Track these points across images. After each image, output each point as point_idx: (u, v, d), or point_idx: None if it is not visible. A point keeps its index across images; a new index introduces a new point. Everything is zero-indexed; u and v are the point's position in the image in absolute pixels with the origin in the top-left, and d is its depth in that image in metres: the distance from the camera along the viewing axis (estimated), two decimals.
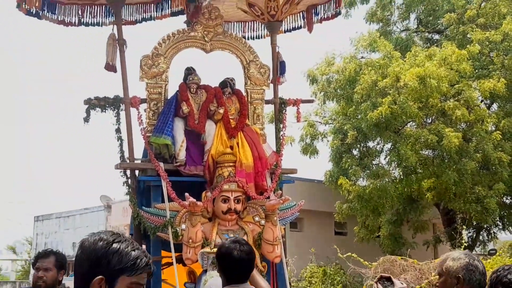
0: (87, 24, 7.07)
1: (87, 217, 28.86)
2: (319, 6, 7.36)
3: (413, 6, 21.07)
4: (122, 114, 6.54)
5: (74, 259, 2.20)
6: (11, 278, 38.36)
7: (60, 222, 31.09)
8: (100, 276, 2.06)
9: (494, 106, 18.65)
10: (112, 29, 6.61)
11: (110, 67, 6.52)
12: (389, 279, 4.31)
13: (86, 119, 6.52)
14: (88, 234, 2.19)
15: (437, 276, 3.89)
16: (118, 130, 6.52)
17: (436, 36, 21.05)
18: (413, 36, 20.94)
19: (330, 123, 19.73)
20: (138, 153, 6.65)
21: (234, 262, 3.62)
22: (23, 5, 6.63)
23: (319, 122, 20.00)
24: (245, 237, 6.18)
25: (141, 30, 7.51)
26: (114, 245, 2.12)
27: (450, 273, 3.66)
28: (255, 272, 4.25)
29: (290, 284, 6.69)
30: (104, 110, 6.54)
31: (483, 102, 18.13)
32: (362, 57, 19.04)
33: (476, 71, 17.49)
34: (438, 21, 20.12)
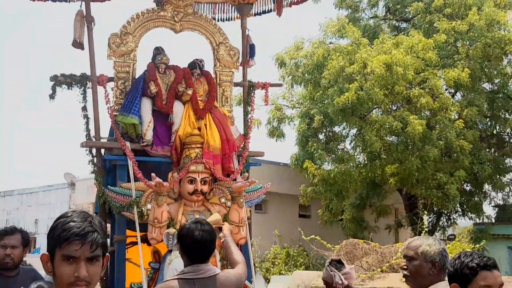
0: (54, 0, 6.94)
1: (50, 194, 28.52)
2: None
3: None
4: (89, 92, 6.46)
5: (36, 236, 2.18)
6: None
7: (22, 198, 30.67)
8: (44, 253, 2.06)
9: (458, 95, 18.93)
10: (80, 6, 6.50)
11: (78, 44, 6.43)
12: (339, 262, 4.40)
13: (52, 96, 6.42)
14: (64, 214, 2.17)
15: (403, 260, 3.94)
16: (84, 108, 6.44)
17: (404, 25, 21.23)
18: (381, 24, 21.07)
19: (297, 107, 19.81)
20: (105, 132, 6.59)
21: (195, 242, 3.64)
22: None
23: (286, 106, 20.06)
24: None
25: (109, 8, 7.39)
26: (60, 220, 2.10)
27: (426, 257, 3.73)
28: (231, 243, 4.29)
29: (254, 265, 6.72)
30: (70, 88, 6.45)
31: (447, 91, 18.38)
32: (330, 43, 19.12)
33: (442, 60, 17.69)
34: (406, 10, 20.28)
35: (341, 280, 4.23)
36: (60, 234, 2.06)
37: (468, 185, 19.29)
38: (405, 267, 3.82)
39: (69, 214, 2.13)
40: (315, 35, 19.58)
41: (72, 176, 26.76)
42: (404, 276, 3.85)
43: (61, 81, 6.39)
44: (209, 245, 3.70)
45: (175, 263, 5.46)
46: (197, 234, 3.64)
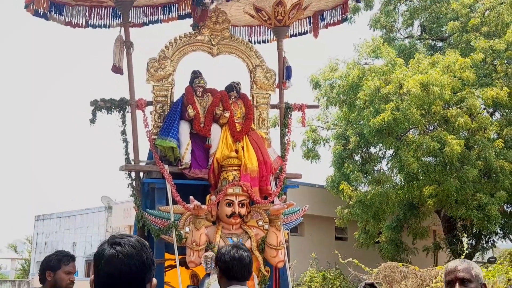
0: (94, 26, 7.08)
1: (88, 218, 28.87)
2: (326, 11, 7.37)
3: (416, 13, 21.12)
4: (128, 116, 6.55)
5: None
6: (11, 277, 38.34)
7: (60, 222, 31.12)
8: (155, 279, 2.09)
9: (497, 115, 18.64)
10: (120, 31, 6.62)
11: (117, 69, 6.53)
12: (373, 286, 4.35)
13: (92, 121, 6.52)
14: (111, 239, 2.14)
15: (443, 283, 3.83)
16: (123, 132, 6.52)
17: (440, 44, 21.08)
18: (416, 43, 20.96)
19: (332, 128, 19.75)
20: (143, 155, 6.64)
21: (233, 260, 3.65)
22: (31, 6, 6.65)
23: (322, 127, 20.02)
24: (248, 241, 6.19)
25: (148, 33, 7.50)
26: (147, 248, 2.12)
27: (479, 279, 3.64)
28: None
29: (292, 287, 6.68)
30: (110, 112, 6.54)
31: (485, 110, 18.12)
32: (365, 63, 19.05)
33: (479, 79, 17.49)
34: (442, 29, 20.15)
35: None
36: (153, 262, 2.10)
37: (509, 206, 18.91)
38: None
39: (118, 249, 2.11)
40: (349, 56, 19.59)
41: (109, 199, 27.08)
42: None
43: (101, 105, 6.49)
44: (247, 264, 3.69)
45: (213, 287, 5.45)
46: (235, 253, 3.64)
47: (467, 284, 3.64)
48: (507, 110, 17.92)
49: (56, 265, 4.62)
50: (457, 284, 3.59)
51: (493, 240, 20.37)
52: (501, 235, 20.13)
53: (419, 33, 21.71)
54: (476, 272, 3.70)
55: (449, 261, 13.75)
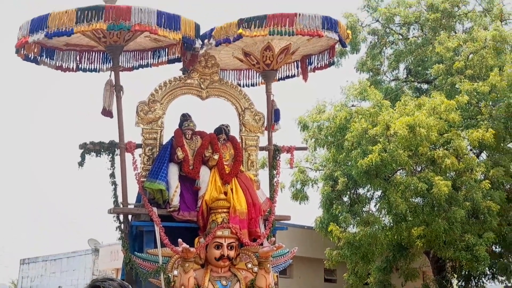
0: (84, 70, 7.14)
1: (74, 261, 28.47)
2: (313, 56, 7.45)
3: (402, 57, 21.39)
4: (117, 159, 6.54)
5: None
6: None
7: (46, 265, 30.65)
8: None
9: (483, 155, 18.74)
10: (110, 75, 6.66)
11: (107, 113, 6.55)
12: None
13: (81, 164, 6.52)
14: (93, 283, 2.16)
15: None
16: (112, 175, 6.51)
17: (425, 86, 21.28)
18: (402, 86, 21.17)
19: (321, 170, 19.74)
20: (132, 198, 6.62)
21: None
22: (22, 51, 6.70)
23: (310, 168, 20.01)
24: (237, 285, 6.14)
25: (138, 76, 7.57)
26: None
27: None
28: None
29: None
30: (99, 155, 6.54)
31: (472, 151, 18.22)
32: (352, 105, 19.18)
33: (465, 120, 17.64)
34: (427, 72, 20.39)
35: None
36: None
37: (497, 247, 18.88)
38: None
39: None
40: (337, 98, 19.70)
41: (96, 242, 26.79)
42: None
43: (90, 148, 6.49)
44: None
45: None
46: None
47: None
48: (493, 151, 18.03)
49: None
50: None
51: (482, 281, 20.26)
52: (490, 276, 20.05)
53: (405, 76, 21.95)
54: None
55: None
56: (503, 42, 18.76)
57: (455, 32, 20.95)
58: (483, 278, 20.16)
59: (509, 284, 20.39)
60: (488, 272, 19.86)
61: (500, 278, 20.13)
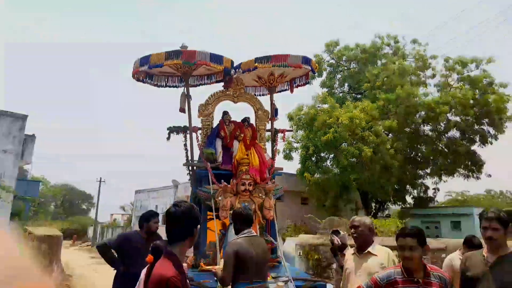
0: (170, 86, 7.12)
1: (164, 192, 28.87)
2: (297, 78, 7.38)
3: (346, 79, 21.22)
4: (188, 136, 6.55)
5: (167, 216, 2.12)
6: (121, 224, 38.27)
7: (149, 193, 31.09)
8: (198, 226, 2.07)
9: (391, 135, 18.70)
10: (183, 89, 6.64)
11: (182, 110, 6.54)
12: (337, 231, 4.31)
13: (168, 138, 6.53)
14: (177, 203, 2.16)
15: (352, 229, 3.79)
16: (185, 145, 6.52)
17: (359, 96, 21.16)
18: (346, 96, 21.02)
19: (300, 142, 19.78)
20: (196, 157, 6.63)
21: (244, 213, 3.67)
22: (135, 76, 6.69)
23: (294, 141, 20.04)
24: (253, 205, 6.16)
25: (200, 89, 7.53)
26: (196, 210, 2.13)
27: (366, 225, 3.62)
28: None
29: (277, 231, 6.65)
30: (178, 133, 6.55)
31: (384, 132, 18.19)
32: (318, 106, 19.13)
33: (381, 115, 17.53)
34: (361, 87, 20.23)
35: (338, 241, 4.16)
36: (198, 215, 2.14)
37: (397, 186, 18.88)
38: (354, 233, 3.72)
39: (193, 205, 2.18)
40: (309, 102, 19.62)
41: (176, 181, 27.07)
42: (354, 238, 3.73)
43: (173, 130, 6.49)
44: (251, 216, 3.73)
45: (233, 231, 5.44)
46: (243, 209, 3.68)
47: (357, 228, 3.64)
48: (397, 133, 17.92)
49: (147, 218, 4.64)
50: (352, 229, 3.63)
51: (387, 204, 20.32)
52: (392, 202, 20.09)
53: (347, 90, 21.78)
54: (364, 221, 3.67)
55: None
56: (404, 71, 18.49)
57: (376, 65, 20.67)
58: (388, 203, 20.18)
59: (403, 206, 20.35)
60: (392, 200, 19.87)
61: (398, 203, 20.16)
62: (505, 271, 2.65)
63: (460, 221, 18.68)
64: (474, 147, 18.52)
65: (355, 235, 3.66)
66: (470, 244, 4.39)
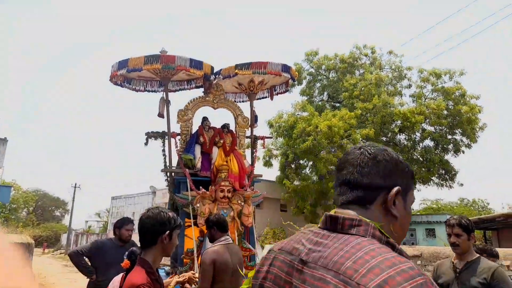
0: (149, 91, 7.02)
1: (141, 198, 28.35)
2: (277, 86, 7.41)
3: (325, 88, 21.47)
4: (166, 141, 6.46)
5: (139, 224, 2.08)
6: (96, 232, 37.27)
7: (126, 200, 30.47)
8: (167, 231, 2.01)
9: (367, 143, 18.99)
10: (163, 94, 6.56)
11: (161, 115, 6.46)
12: None
13: (146, 144, 6.42)
14: (146, 210, 2.12)
15: None
16: (163, 150, 6.43)
17: (338, 105, 21.49)
18: (325, 104, 21.27)
19: (279, 149, 19.84)
20: (174, 163, 6.55)
21: (220, 219, 3.62)
22: (113, 79, 6.56)
23: (274, 148, 20.09)
24: (232, 212, 6.11)
25: (179, 95, 7.46)
26: (170, 213, 2.08)
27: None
28: None
29: (256, 238, 6.61)
30: (156, 139, 6.45)
31: (362, 141, 18.46)
32: (297, 114, 19.28)
33: (358, 124, 17.82)
34: (339, 96, 20.52)
35: None
36: (178, 222, 2.10)
37: None
38: None
39: (170, 210, 2.14)
40: (289, 110, 19.75)
41: (154, 187, 26.63)
42: None
43: (151, 135, 6.39)
44: (226, 222, 3.69)
45: (207, 244, 5.36)
46: (218, 216, 3.64)
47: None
48: (373, 141, 18.23)
49: (120, 225, 4.50)
50: None
51: None
52: None
53: (326, 99, 22.05)
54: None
55: None
56: (380, 81, 18.87)
57: (355, 75, 21.05)
58: None
59: None
60: None
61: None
62: (470, 276, 2.70)
63: (434, 229, 19.09)
64: (448, 157, 19.06)
65: None
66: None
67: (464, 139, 18.67)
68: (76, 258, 4.38)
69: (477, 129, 18.15)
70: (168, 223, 2.04)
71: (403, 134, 19.41)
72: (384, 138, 19.27)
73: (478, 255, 2.83)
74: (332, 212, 1.01)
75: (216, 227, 3.59)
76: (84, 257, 4.42)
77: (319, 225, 1.05)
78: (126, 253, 2.33)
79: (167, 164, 6.37)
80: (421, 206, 31.48)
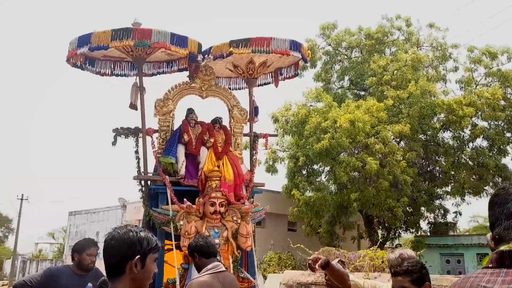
0: (117, 75, 7.03)
1: (109, 213, 28.43)
2: (283, 69, 7.42)
3: (346, 71, 21.50)
4: (140, 140, 6.48)
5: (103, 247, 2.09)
6: (49, 257, 37.34)
7: (88, 216, 30.58)
8: (138, 256, 1.99)
9: (402, 143, 18.99)
10: (136, 79, 6.57)
11: (133, 106, 6.48)
12: (342, 261, 4.33)
13: (114, 143, 6.43)
14: (112, 229, 2.10)
15: (364, 262, 3.81)
16: (136, 152, 6.45)
17: (362, 93, 21.46)
18: (346, 92, 21.28)
19: (287, 151, 19.84)
20: (150, 169, 6.57)
21: (208, 242, 3.66)
22: (71, 60, 6.58)
23: (279, 150, 20.10)
24: (226, 232, 6.14)
25: (156, 80, 7.46)
26: (141, 233, 2.07)
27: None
28: None
29: (256, 266, 6.63)
30: (127, 137, 6.47)
31: (394, 140, 18.46)
32: (310, 105, 19.27)
33: (390, 118, 17.81)
34: (364, 82, 20.52)
35: (321, 265, 4.13)
36: (154, 244, 2.08)
37: (410, 208, 19.17)
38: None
39: (143, 229, 2.13)
40: (299, 100, 19.76)
41: (124, 200, 26.70)
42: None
43: (120, 132, 6.41)
44: (214, 245, 3.71)
45: (194, 274, 5.37)
46: (201, 239, 3.68)
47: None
48: (409, 140, 18.24)
49: (80, 249, 4.50)
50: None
51: (398, 232, 20.58)
52: (404, 228, 20.36)
53: (348, 85, 22.06)
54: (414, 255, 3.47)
55: (370, 247, 13.81)
56: (418, 62, 18.91)
57: (384, 54, 21.10)
58: (399, 230, 20.47)
59: (417, 234, 20.65)
60: (403, 226, 20.15)
61: (411, 230, 20.43)
62: None
63: (488, 254, 19.11)
64: (505, 160, 19.07)
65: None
66: None
67: None
68: None
69: None
70: (139, 245, 2.01)
71: (448, 131, 19.41)
72: (422, 137, 19.25)
73: None
74: (506, 248, 1.14)
75: (198, 254, 3.59)
76: None
77: (489, 264, 1.18)
78: (89, 285, 2.33)
79: (142, 169, 6.37)
80: (471, 224, 31.51)
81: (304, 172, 19.26)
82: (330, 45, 21.56)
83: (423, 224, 20.72)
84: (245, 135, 7.15)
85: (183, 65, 7.11)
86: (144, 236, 2.06)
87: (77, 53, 6.23)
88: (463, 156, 18.86)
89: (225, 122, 6.92)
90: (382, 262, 9.66)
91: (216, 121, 6.76)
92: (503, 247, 1.13)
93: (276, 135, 9.92)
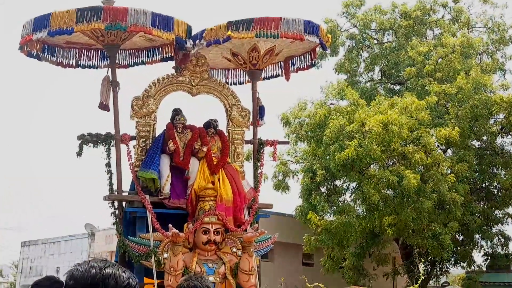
0: (83, 66, 7.08)
1: (72, 244, 28.29)
2: (296, 57, 7.44)
3: (377, 60, 21.44)
4: (113, 149, 6.50)
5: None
6: None
7: (45, 247, 30.43)
8: None
9: (449, 152, 18.88)
10: (107, 72, 6.61)
11: (104, 106, 6.51)
12: None
13: (79, 153, 6.46)
14: (74, 266, 2.09)
15: None
16: (108, 164, 6.47)
17: (398, 87, 21.37)
18: (377, 87, 21.23)
19: (301, 162, 19.75)
20: (126, 186, 6.58)
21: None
22: (25, 48, 6.62)
23: (291, 161, 20.03)
24: (222, 267, 6.14)
25: (133, 73, 7.50)
26: (107, 270, 2.04)
27: None
28: None
29: None
30: (96, 146, 6.49)
31: (439, 148, 18.34)
32: (331, 104, 19.20)
33: (433, 119, 17.73)
34: (400, 74, 20.46)
35: None
36: (125, 282, 2.04)
37: (461, 235, 19.03)
38: None
39: (112, 263, 2.11)
40: (317, 97, 19.72)
41: (92, 226, 26.62)
42: None
43: (87, 139, 6.44)
44: (209, 286, 3.69)
45: None
46: (194, 280, 3.66)
47: None
48: (458, 148, 18.15)
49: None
50: None
51: (446, 266, 20.42)
52: (453, 262, 20.19)
53: (379, 78, 22.00)
54: None
55: (407, 286, 13.71)
56: (470, 48, 18.88)
57: (426, 38, 21.08)
58: (446, 264, 20.32)
59: (469, 270, 20.50)
60: (452, 258, 20.00)
61: (462, 264, 20.27)
62: None
63: None
64: None
65: None
66: None
67: None
68: None
69: None
70: (103, 286, 2.01)
71: (509, 136, 19.32)
72: (476, 143, 19.16)
73: None
74: None
75: None
76: None
77: None
78: None
79: (114, 187, 6.38)
80: None
81: (323, 189, 19.15)
82: (355, 26, 21.57)
83: (477, 257, 20.57)
84: (247, 142, 7.15)
85: (168, 53, 7.14)
86: (110, 274, 2.02)
87: (32, 38, 6.26)
88: None
89: (222, 126, 6.92)
90: None
91: (210, 124, 6.77)
92: None
93: (288, 142, 9.92)
